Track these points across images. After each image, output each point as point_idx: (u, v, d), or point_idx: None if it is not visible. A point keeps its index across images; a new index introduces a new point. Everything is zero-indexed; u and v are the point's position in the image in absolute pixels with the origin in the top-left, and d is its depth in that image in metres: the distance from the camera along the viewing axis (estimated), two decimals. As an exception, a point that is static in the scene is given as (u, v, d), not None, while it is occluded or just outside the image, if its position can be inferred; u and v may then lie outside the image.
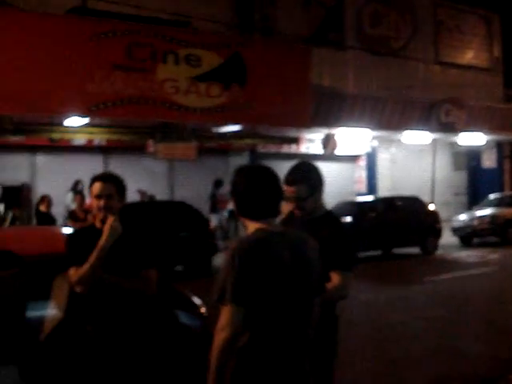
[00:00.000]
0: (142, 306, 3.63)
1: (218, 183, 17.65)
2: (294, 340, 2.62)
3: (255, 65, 15.29)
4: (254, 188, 2.72)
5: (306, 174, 3.65)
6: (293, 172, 3.64)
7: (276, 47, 16.59)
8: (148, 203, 14.49)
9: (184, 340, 4.02)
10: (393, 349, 7.25)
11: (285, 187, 3.60)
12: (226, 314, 2.48)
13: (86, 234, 3.68)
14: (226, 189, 17.99)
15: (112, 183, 3.67)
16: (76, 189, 14.64)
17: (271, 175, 2.78)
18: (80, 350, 3.67)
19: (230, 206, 17.89)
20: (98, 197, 3.62)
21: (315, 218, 3.61)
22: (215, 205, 17.39)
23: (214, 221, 15.98)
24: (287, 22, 19.23)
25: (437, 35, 23.30)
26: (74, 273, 3.52)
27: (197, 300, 4.30)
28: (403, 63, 21.79)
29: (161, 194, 16.97)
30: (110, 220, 3.56)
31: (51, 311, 4.21)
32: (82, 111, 13.35)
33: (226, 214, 18.03)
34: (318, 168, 3.72)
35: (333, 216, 3.72)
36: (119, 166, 16.70)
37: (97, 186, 3.64)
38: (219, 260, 14.15)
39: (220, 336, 2.47)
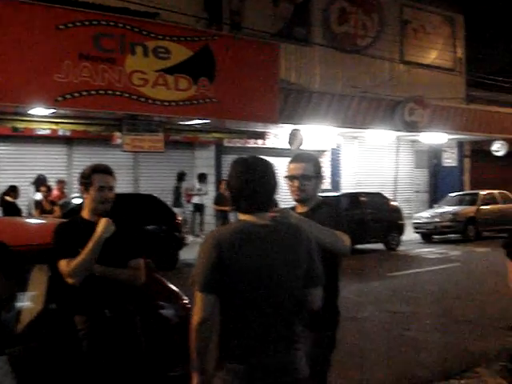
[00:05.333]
0: (131, 296, 3.67)
1: (181, 176, 17.54)
2: (271, 329, 2.65)
3: (224, 59, 15.29)
4: (245, 181, 2.72)
5: (313, 157, 3.79)
6: (300, 153, 3.82)
7: (244, 42, 16.59)
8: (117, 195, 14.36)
9: (165, 331, 4.04)
10: (357, 342, 7.38)
11: (291, 165, 3.69)
12: (197, 300, 2.63)
13: (75, 226, 3.69)
14: (190, 182, 17.96)
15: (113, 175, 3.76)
16: (38, 182, 14.50)
17: (264, 168, 2.77)
18: (66, 341, 3.66)
19: (195, 199, 17.87)
20: (102, 188, 3.67)
21: (313, 207, 3.68)
22: (178, 198, 17.30)
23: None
24: (255, 16, 19.26)
25: (402, 35, 23.63)
26: (65, 265, 3.52)
27: (179, 290, 4.32)
28: (369, 61, 22.03)
29: (125, 186, 16.85)
30: (105, 218, 3.61)
31: (28, 303, 4.17)
32: (48, 101, 13.16)
33: (190, 207, 17.98)
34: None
35: (328, 201, 3.84)
36: (83, 158, 16.57)
37: (99, 177, 3.69)
38: (185, 254, 14.16)
39: (193, 320, 2.63)
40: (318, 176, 3.71)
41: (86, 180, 3.70)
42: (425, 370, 6.38)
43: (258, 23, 18.78)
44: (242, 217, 2.76)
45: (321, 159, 21.42)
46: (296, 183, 3.64)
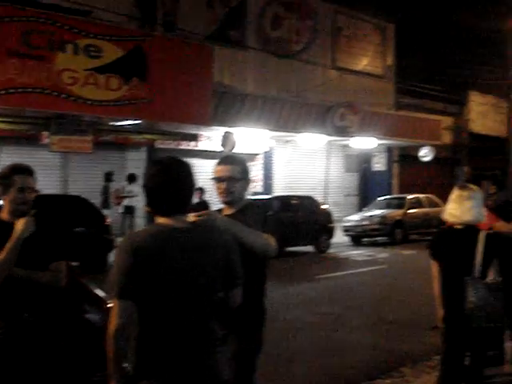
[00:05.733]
0: (52, 300, 3.56)
1: (108, 176, 17.18)
2: (192, 334, 2.61)
3: (157, 60, 15.14)
4: (162, 182, 2.65)
5: (241, 159, 3.78)
6: (227, 156, 3.81)
7: (178, 43, 16.50)
8: (42, 196, 13.97)
9: (88, 336, 3.96)
10: (285, 344, 7.43)
11: (218, 168, 3.67)
12: (114, 307, 2.56)
13: None
14: (120, 184, 17.63)
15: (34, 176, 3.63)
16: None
17: (181, 169, 2.71)
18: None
19: (126, 201, 17.55)
20: (22, 189, 3.53)
21: (240, 208, 3.67)
22: (107, 199, 16.94)
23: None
24: (189, 18, 19.18)
25: (335, 41, 24.01)
26: None
27: (103, 294, 4.24)
28: (302, 66, 22.28)
29: (53, 187, 16.45)
30: (25, 218, 3.48)
31: None
32: (-28, 98, 12.73)
33: (121, 209, 17.66)
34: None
35: (256, 203, 3.86)
36: (10, 157, 16.04)
37: (20, 178, 3.56)
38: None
39: (109, 327, 2.55)
40: (246, 178, 3.72)
41: (6, 181, 3.56)
42: (352, 370, 6.49)
43: (191, 25, 18.71)
44: (159, 220, 2.68)
45: (253, 162, 21.53)
46: (223, 185, 3.63)
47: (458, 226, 4.40)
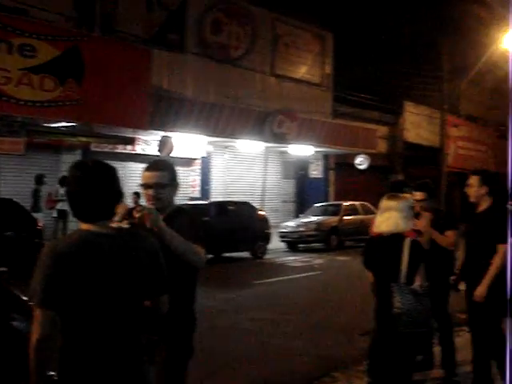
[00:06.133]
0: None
1: (39, 179, 16.73)
2: (116, 342, 2.56)
3: (94, 61, 14.90)
4: (84, 187, 2.57)
5: (168, 164, 3.75)
6: (155, 161, 3.78)
7: (116, 45, 16.29)
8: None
9: (14, 343, 3.84)
10: (219, 352, 7.39)
11: (145, 174, 3.65)
12: (36, 316, 2.47)
13: None
14: (54, 187, 17.20)
15: None
16: None
17: (105, 173, 2.62)
18: None
19: (59, 205, 17.12)
20: None
21: (168, 214, 3.62)
22: (37, 202, 16.48)
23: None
24: (128, 21, 18.95)
25: (274, 48, 24.17)
26: None
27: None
28: (241, 72, 22.34)
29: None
30: None
31: None
32: None
33: (54, 213, 17.24)
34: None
35: (185, 209, 3.85)
36: None
37: None
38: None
39: (32, 338, 2.45)
40: (173, 183, 3.70)
41: None
42: (285, 375, 6.51)
43: (130, 27, 18.52)
44: (83, 226, 2.61)
45: (191, 167, 21.45)
46: (150, 192, 3.62)
47: (385, 234, 4.49)
